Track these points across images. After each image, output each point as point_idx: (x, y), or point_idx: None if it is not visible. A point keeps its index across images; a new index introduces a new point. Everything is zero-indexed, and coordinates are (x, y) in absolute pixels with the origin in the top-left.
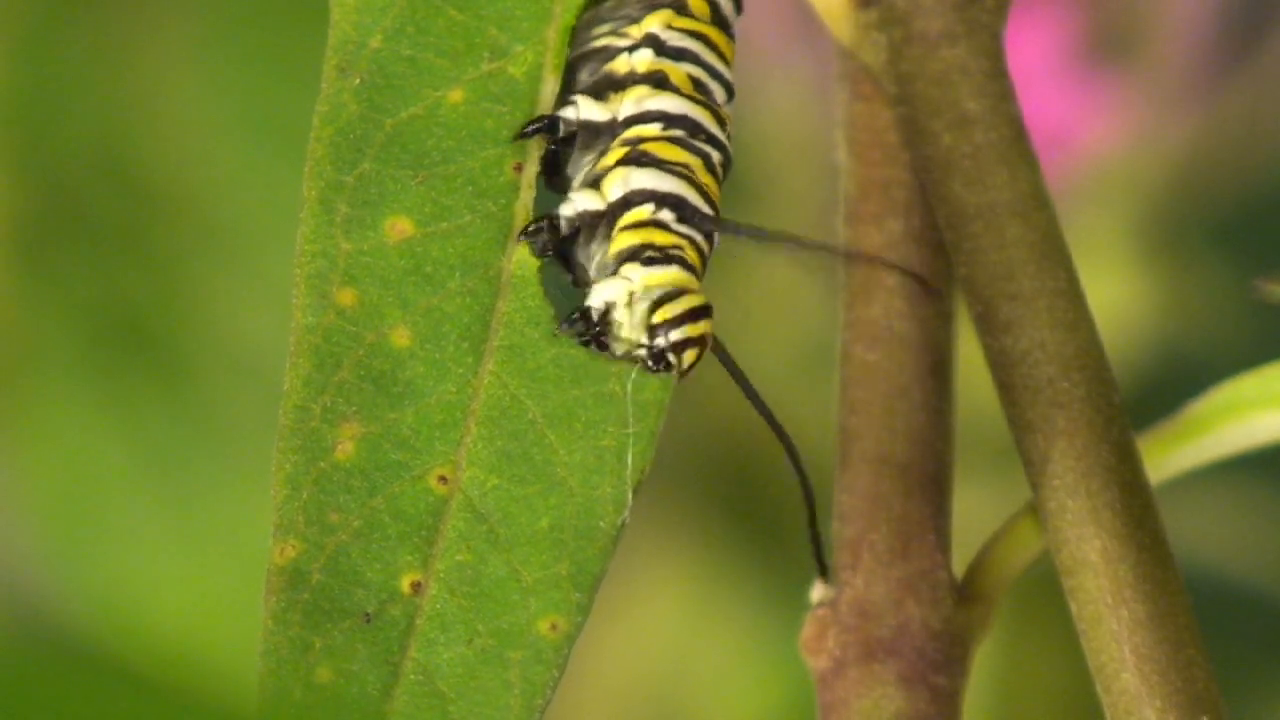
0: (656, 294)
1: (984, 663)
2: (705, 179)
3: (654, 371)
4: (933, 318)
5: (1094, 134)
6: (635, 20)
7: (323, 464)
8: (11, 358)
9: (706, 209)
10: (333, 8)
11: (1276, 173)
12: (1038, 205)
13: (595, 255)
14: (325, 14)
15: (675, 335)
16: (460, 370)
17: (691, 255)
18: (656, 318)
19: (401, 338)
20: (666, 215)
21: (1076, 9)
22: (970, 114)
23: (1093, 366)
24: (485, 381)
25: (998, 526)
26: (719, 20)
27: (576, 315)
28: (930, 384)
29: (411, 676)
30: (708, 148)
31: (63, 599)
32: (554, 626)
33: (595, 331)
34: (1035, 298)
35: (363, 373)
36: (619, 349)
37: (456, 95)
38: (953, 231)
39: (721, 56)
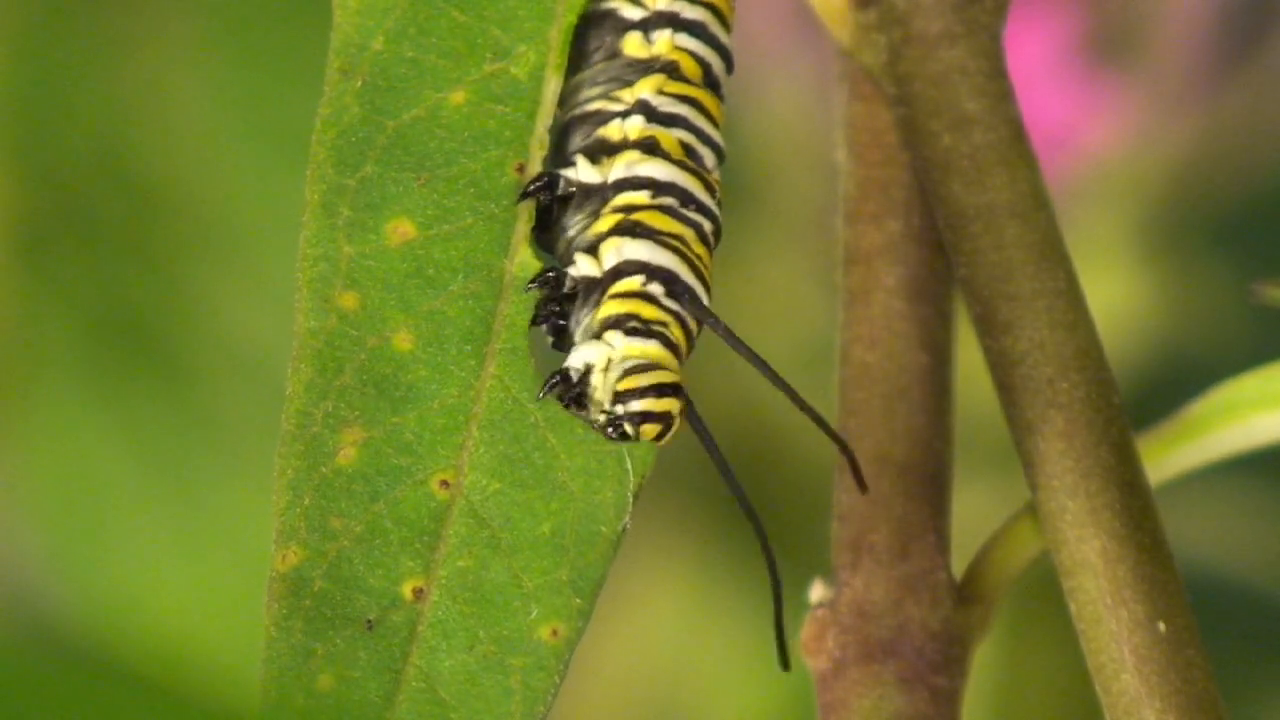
0: (630, 364)
1: (984, 663)
2: (699, 250)
3: (613, 440)
4: (932, 318)
5: (1094, 134)
6: (627, 83)
7: (324, 469)
8: (11, 358)
9: (698, 285)
10: (335, 9)
11: (1276, 173)
12: (1037, 206)
13: (584, 320)
14: (326, 14)
15: (636, 406)
16: (462, 374)
17: (676, 333)
18: (621, 386)
19: (403, 341)
20: (656, 289)
21: (1076, 9)
22: (969, 114)
23: (1092, 367)
24: (487, 385)
25: (997, 527)
26: (710, 83)
27: (557, 377)
28: (930, 385)
29: (413, 683)
30: (699, 217)
31: (63, 599)
32: (555, 633)
33: (575, 393)
34: (1034, 298)
35: (365, 377)
36: (592, 413)
37: (459, 96)
38: (952, 232)
39: (711, 120)
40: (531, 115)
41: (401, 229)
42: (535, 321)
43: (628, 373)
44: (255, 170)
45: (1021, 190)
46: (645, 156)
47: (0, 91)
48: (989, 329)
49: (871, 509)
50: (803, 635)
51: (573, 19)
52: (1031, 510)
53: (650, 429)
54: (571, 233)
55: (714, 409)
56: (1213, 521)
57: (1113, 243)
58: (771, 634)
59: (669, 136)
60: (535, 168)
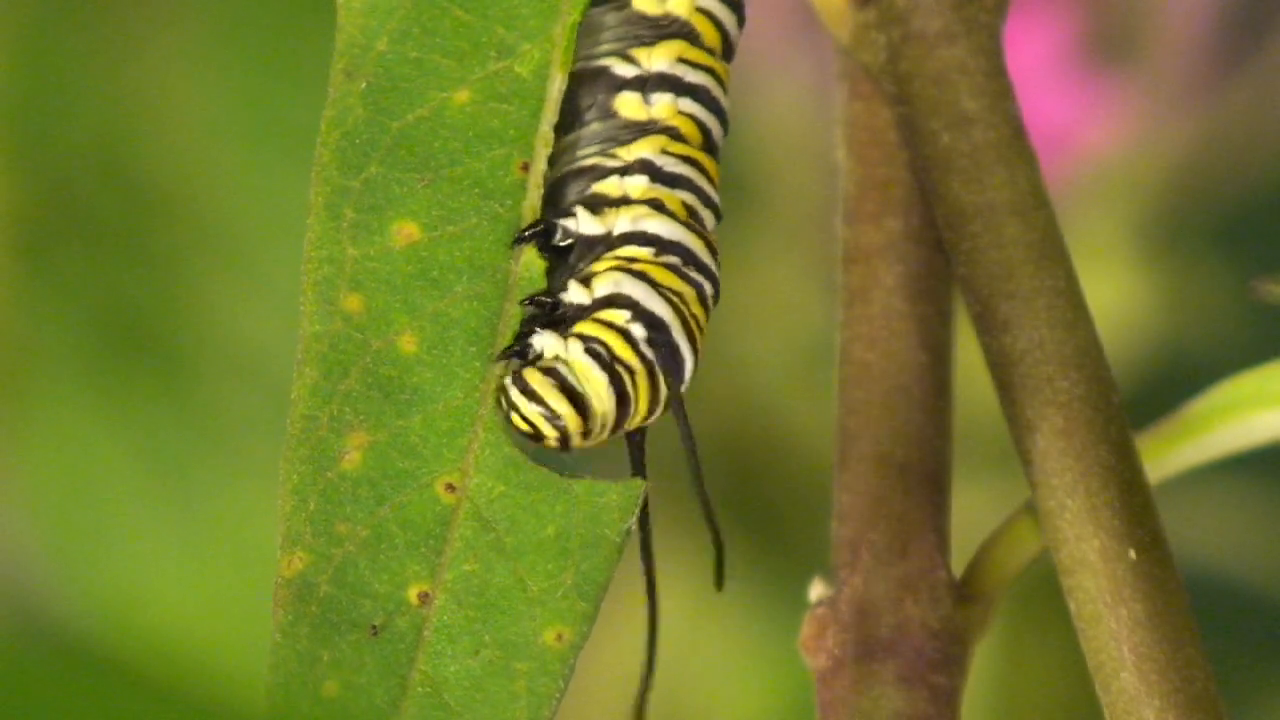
0: (561, 370)
1: (983, 662)
2: (696, 309)
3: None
4: (932, 317)
5: (1094, 134)
6: (624, 143)
7: (330, 474)
8: (11, 358)
9: (685, 343)
10: (339, 10)
11: (1276, 173)
12: (1036, 204)
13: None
14: (328, 13)
15: (515, 397)
16: (467, 375)
17: (642, 383)
18: (529, 376)
19: (408, 344)
20: (638, 331)
21: (1076, 9)
22: (969, 113)
23: (1091, 365)
24: (492, 387)
25: (997, 525)
26: (709, 147)
27: (515, 346)
28: (929, 383)
29: (419, 689)
30: (700, 278)
31: (63, 599)
32: (560, 637)
33: (521, 364)
34: (1034, 297)
35: (370, 380)
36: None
37: (463, 96)
38: (951, 230)
39: (711, 181)
40: (536, 113)
41: (406, 230)
42: (519, 337)
43: (549, 372)
44: (256, 170)
45: (1021, 189)
46: (652, 213)
47: (0, 91)
48: (988, 327)
49: (871, 507)
50: (802, 634)
51: (577, 16)
52: (1031, 509)
53: (518, 422)
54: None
55: (714, 409)
56: (1213, 521)
57: (1112, 242)
58: (769, 632)
59: (674, 197)
60: (540, 166)
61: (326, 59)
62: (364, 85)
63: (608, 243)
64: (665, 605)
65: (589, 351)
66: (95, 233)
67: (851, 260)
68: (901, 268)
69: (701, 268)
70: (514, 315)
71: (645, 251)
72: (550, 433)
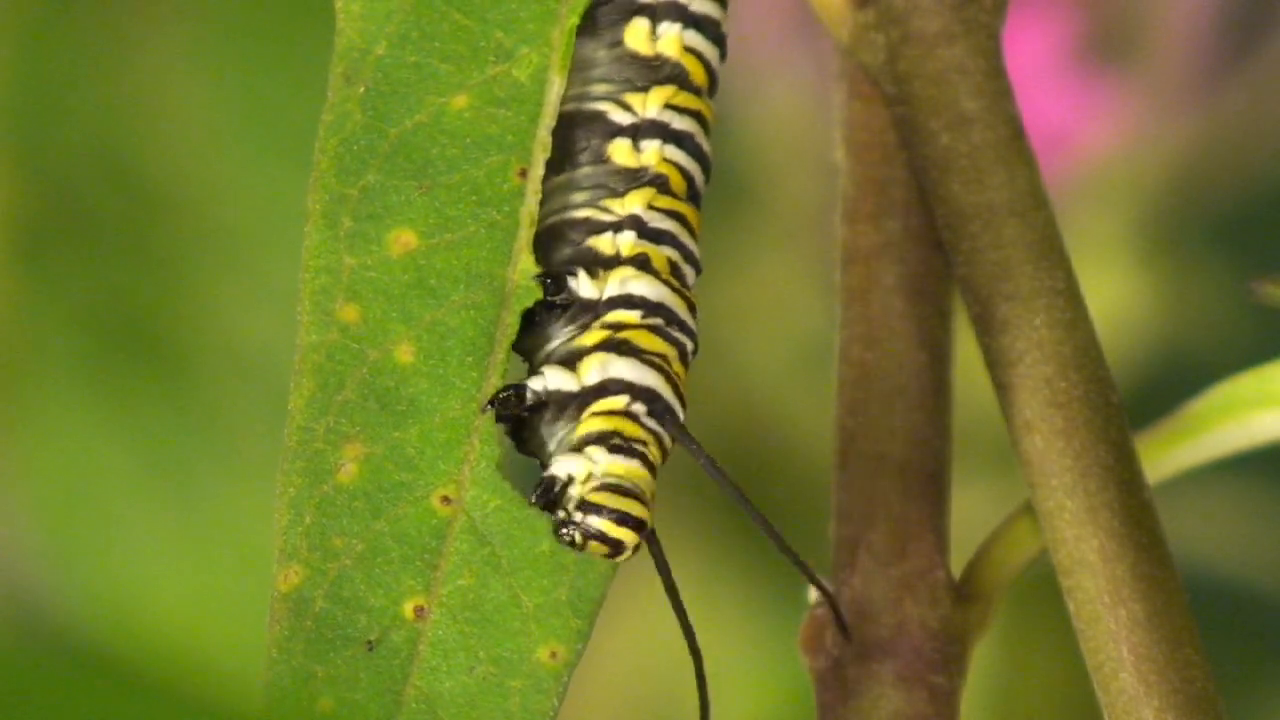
0: (609, 480)
1: (982, 662)
2: (678, 368)
3: (558, 538)
4: (931, 317)
5: (1093, 134)
6: (616, 193)
7: (326, 487)
8: (11, 358)
9: (676, 403)
10: (338, 15)
11: (1276, 173)
12: (1036, 205)
13: (559, 433)
14: (326, 13)
15: (594, 523)
16: (464, 386)
17: (654, 452)
18: (592, 498)
19: (405, 354)
20: (639, 408)
21: (1076, 9)
22: (968, 113)
23: (1091, 366)
24: (488, 395)
25: (996, 526)
26: (692, 195)
27: (540, 483)
28: (928, 383)
29: (413, 705)
30: (682, 336)
31: (63, 599)
32: (554, 654)
33: (550, 499)
34: (1033, 297)
35: (366, 391)
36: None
37: (461, 101)
38: (950, 231)
39: (693, 234)
40: (534, 119)
41: (403, 239)
42: (499, 419)
43: (604, 488)
44: (256, 170)
45: (1020, 189)
46: (638, 273)
47: (0, 91)
48: (987, 328)
49: (870, 508)
50: (801, 634)
51: (575, 20)
52: (1030, 509)
53: (597, 548)
54: (555, 344)
55: (714, 409)
56: (1212, 521)
57: (1112, 243)
58: (769, 632)
59: (659, 254)
60: (537, 172)
61: (326, 60)
62: (362, 90)
63: (596, 310)
64: (664, 607)
65: (612, 449)
66: (95, 233)
67: (850, 260)
68: (900, 268)
69: (683, 327)
70: (511, 325)
71: (633, 316)
72: (633, 539)
